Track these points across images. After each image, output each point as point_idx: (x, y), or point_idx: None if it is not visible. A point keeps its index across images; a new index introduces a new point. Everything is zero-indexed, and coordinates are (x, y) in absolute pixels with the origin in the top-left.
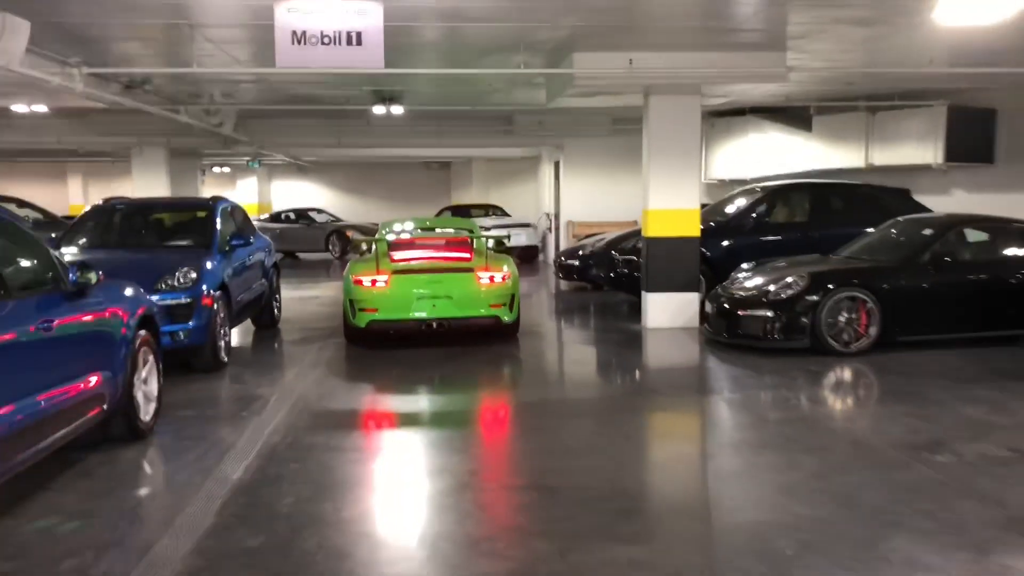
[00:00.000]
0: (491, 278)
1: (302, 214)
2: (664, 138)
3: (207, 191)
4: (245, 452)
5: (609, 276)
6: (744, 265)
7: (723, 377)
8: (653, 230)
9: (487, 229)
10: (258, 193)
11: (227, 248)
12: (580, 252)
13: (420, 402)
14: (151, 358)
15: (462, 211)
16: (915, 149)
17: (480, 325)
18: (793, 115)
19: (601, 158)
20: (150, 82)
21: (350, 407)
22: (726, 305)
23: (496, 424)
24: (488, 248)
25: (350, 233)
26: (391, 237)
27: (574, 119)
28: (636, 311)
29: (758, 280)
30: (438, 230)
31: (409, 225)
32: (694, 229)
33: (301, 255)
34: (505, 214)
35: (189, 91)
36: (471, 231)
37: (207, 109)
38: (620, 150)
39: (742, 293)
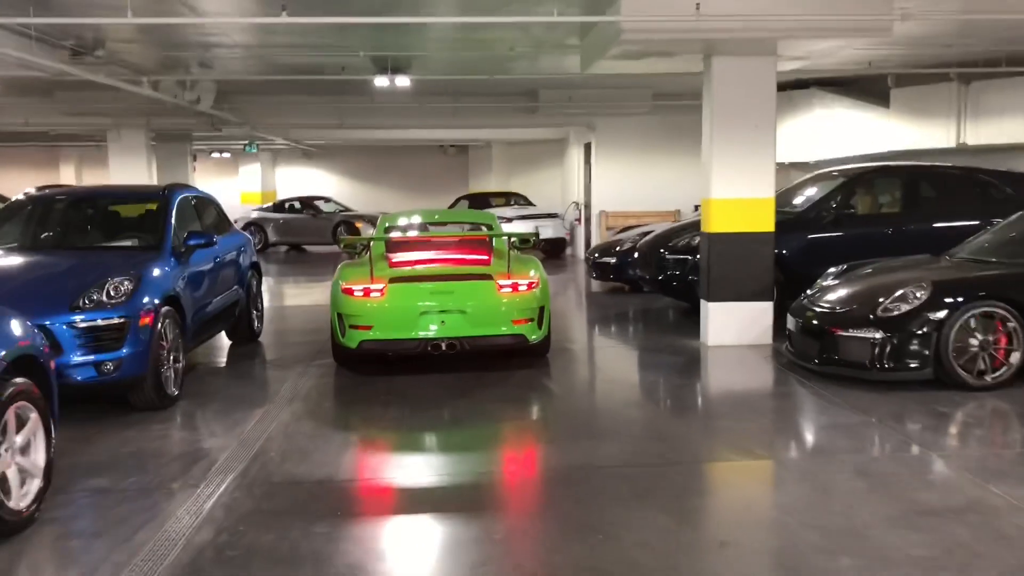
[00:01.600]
0: (515, 286)
1: (307, 203)
2: (731, 110)
3: (201, 179)
4: (149, 568)
5: (656, 279)
6: (832, 270)
7: (828, 426)
8: (717, 224)
9: (509, 221)
10: (261, 180)
11: (183, 249)
12: (617, 248)
13: (418, 467)
14: (33, 417)
15: (480, 200)
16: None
17: (501, 346)
18: (867, 88)
19: (638, 139)
20: (103, 47)
21: (322, 474)
22: (816, 322)
23: (524, 517)
24: (511, 247)
25: (359, 224)
26: (392, 235)
27: (608, 94)
28: (689, 321)
29: (856, 289)
30: (450, 226)
31: (415, 219)
32: (768, 223)
33: (307, 248)
34: (529, 203)
35: (157, 59)
36: (490, 226)
37: (182, 82)
38: (661, 130)
39: (838, 307)
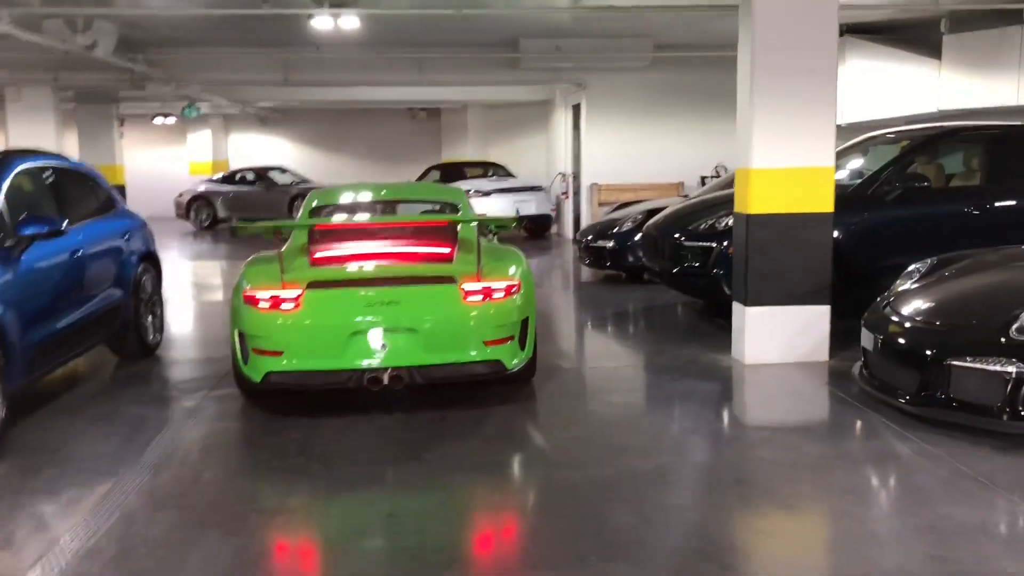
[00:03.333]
0: (487, 292)
1: (261, 174)
2: (780, 54)
3: (145, 147)
4: None
5: (669, 271)
6: (916, 266)
7: (963, 520)
8: (758, 202)
9: (486, 195)
10: (212, 149)
11: (12, 242)
12: (615, 230)
13: None
14: None
15: (454, 171)
16: None
17: (469, 377)
18: (913, 36)
19: (636, 99)
20: None
21: None
22: (909, 342)
23: None
24: (482, 236)
25: None
26: (316, 220)
27: (601, 44)
28: (711, 326)
29: (965, 295)
30: (403, 206)
31: (358, 196)
32: (826, 200)
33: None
34: (509, 175)
35: None
36: (456, 206)
37: (72, 22)
38: (662, 88)
39: (940, 321)
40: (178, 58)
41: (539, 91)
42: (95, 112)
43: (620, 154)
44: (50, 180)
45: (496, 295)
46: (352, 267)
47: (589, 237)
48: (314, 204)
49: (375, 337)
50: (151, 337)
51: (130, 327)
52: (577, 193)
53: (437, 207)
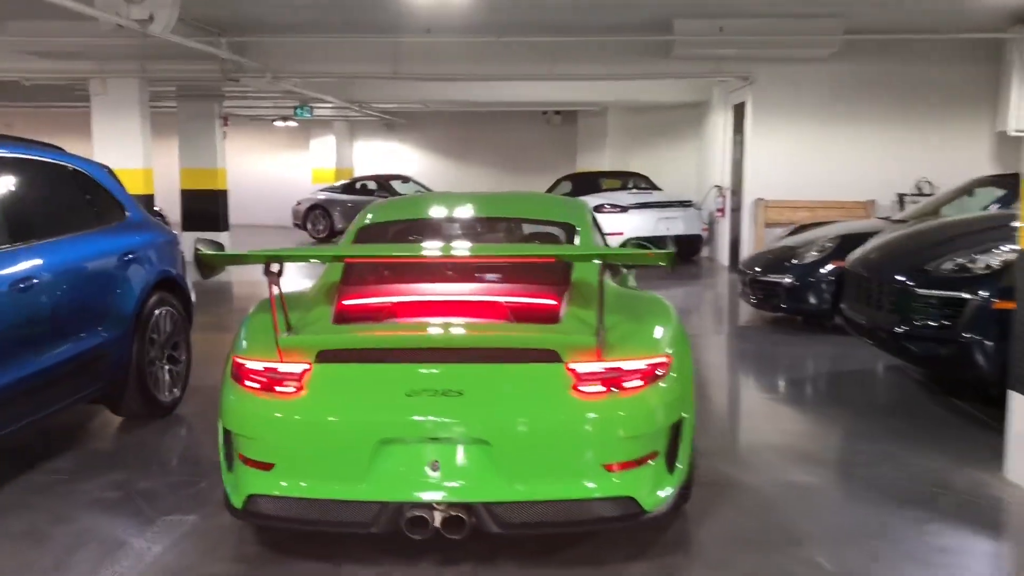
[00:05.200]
0: (613, 377)
1: (382, 183)
2: None
3: (266, 152)
4: None
5: (892, 329)
6: None
7: None
8: None
9: (622, 210)
10: (337, 156)
11: None
12: (794, 261)
13: None
14: None
15: (588, 182)
16: None
17: (580, 524)
18: None
19: (816, 97)
20: None
21: None
22: None
23: None
24: (610, 275)
25: None
26: (351, 251)
27: (775, 25)
28: (952, 412)
29: None
30: (493, 227)
31: (435, 210)
32: None
33: None
34: (653, 187)
35: None
36: (573, 228)
37: None
38: (850, 84)
39: None
40: (269, 44)
41: (693, 89)
42: (196, 110)
43: (792, 165)
44: (19, 176)
45: (629, 383)
46: (392, 327)
47: (758, 268)
48: (367, 220)
49: (422, 451)
50: (165, 393)
51: (130, 379)
52: (736, 210)
53: (545, 232)
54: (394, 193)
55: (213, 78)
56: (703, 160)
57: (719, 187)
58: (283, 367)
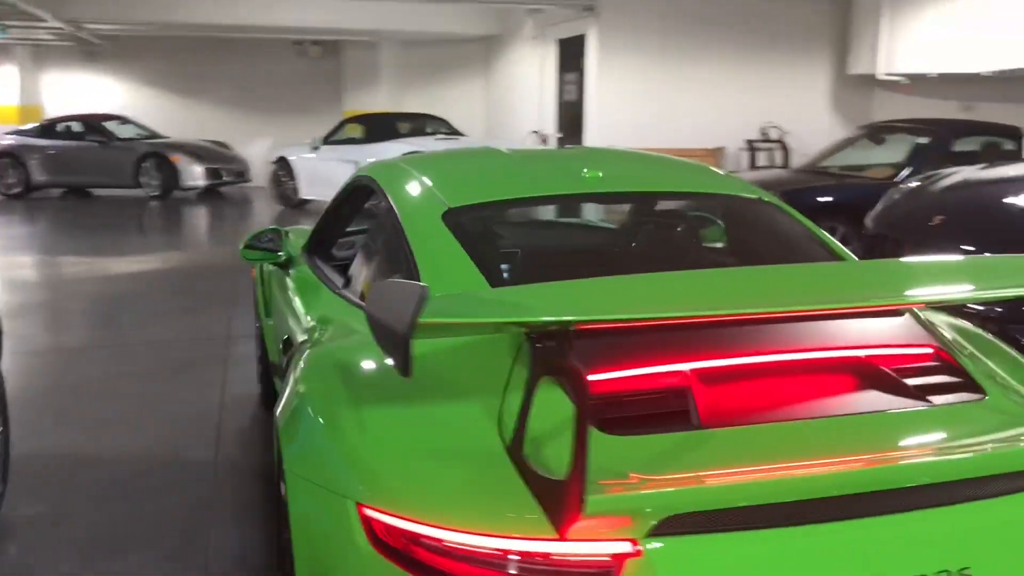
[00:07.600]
0: None
1: (93, 125)
2: None
3: None
4: None
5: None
6: None
7: None
8: None
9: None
10: (20, 90)
11: None
12: None
13: None
14: None
15: (383, 127)
16: None
17: None
18: None
19: (657, 36)
20: None
21: None
22: None
23: None
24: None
25: (176, 158)
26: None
27: None
28: None
29: None
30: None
31: (548, 180)
32: None
33: (95, 191)
34: (455, 131)
35: None
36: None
37: None
38: (696, 19)
39: None
40: None
41: (481, 21)
42: None
43: (638, 108)
44: None
45: None
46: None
47: None
48: (450, 203)
49: None
50: None
51: None
52: None
53: (740, 213)
54: (110, 137)
55: None
56: (501, 101)
57: (537, 132)
58: (574, 549)
